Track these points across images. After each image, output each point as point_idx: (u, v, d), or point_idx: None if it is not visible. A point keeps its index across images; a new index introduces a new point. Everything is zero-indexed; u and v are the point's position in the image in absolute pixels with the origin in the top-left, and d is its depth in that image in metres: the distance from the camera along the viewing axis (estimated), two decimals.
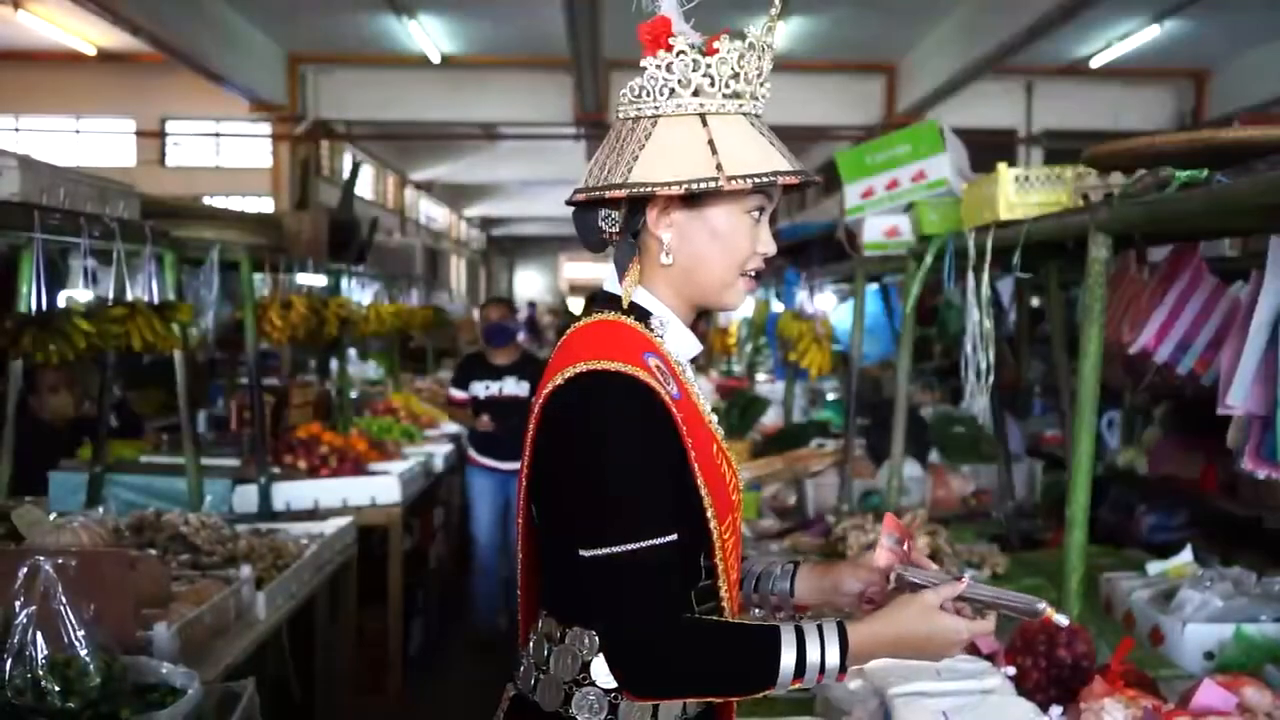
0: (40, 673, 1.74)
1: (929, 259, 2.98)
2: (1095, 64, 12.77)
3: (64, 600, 1.79)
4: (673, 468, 1.23)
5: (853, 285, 3.88)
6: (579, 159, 15.24)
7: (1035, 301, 5.79)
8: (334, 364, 6.00)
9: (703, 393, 1.38)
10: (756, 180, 1.24)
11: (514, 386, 5.32)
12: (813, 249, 4.74)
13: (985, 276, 2.62)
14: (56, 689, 1.73)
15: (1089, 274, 2.11)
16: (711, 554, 1.28)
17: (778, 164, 1.26)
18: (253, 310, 3.95)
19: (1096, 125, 12.99)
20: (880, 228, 3.57)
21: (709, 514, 1.26)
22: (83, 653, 1.78)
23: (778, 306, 5.66)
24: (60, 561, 1.83)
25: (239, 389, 5.14)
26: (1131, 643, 1.84)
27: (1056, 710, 1.61)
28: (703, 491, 1.25)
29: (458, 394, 5.46)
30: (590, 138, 14.51)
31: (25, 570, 1.80)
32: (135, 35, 10.01)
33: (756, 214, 1.31)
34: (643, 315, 1.32)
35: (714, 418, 1.35)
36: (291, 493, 4.06)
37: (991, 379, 2.74)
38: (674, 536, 1.20)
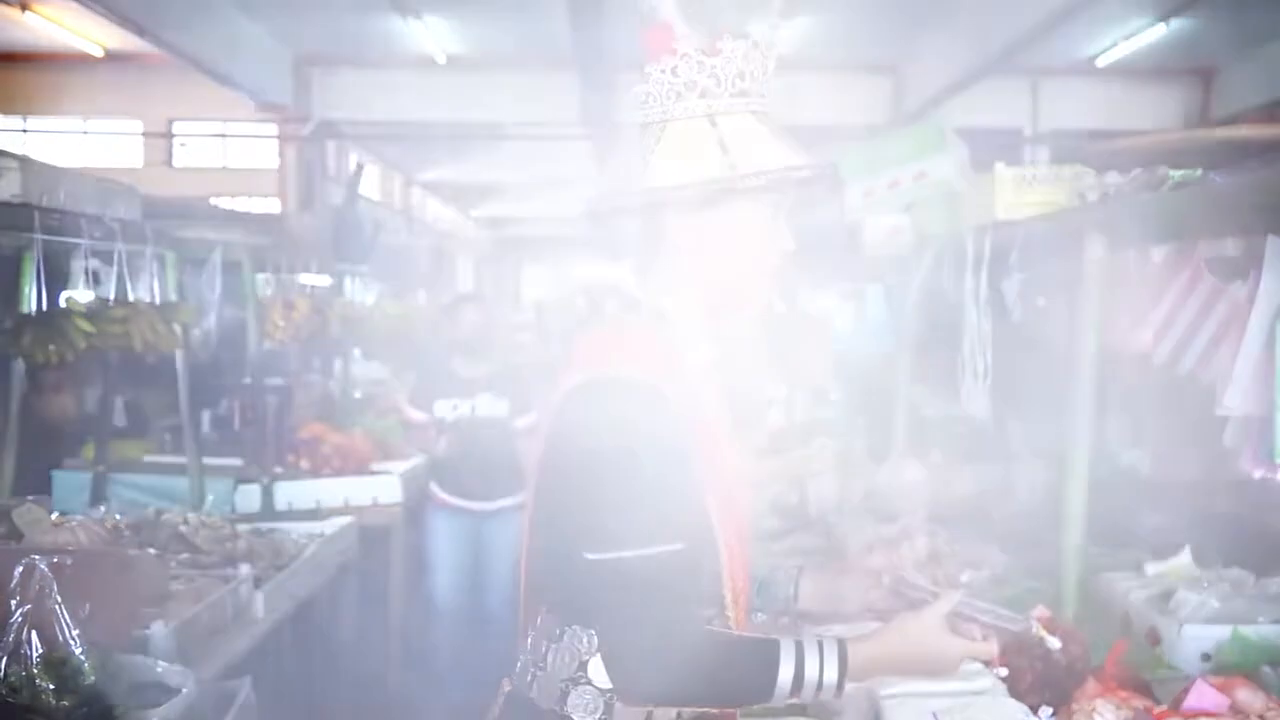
0: (35, 670, 1.75)
1: (928, 259, 2.97)
2: (1102, 63, 12.72)
3: (59, 599, 1.80)
4: (681, 475, 1.23)
5: (855, 285, 3.87)
6: (586, 159, 15.22)
7: (1041, 301, 5.76)
8: (337, 364, 6.02)
9: (717, 398, 1.37)
10: (770, 177, 1.24)
11: (490, 405, 4.16)
12: (814, 248, 4.72)
13: (983, 276, 2.62)
14: (51, 687, 1.74)
15: (1085, 273, 2.11)
16: (717, 561, 1.28)
17: (790, 159, 1.25)
18: (255, 310, 3.96)
19: (1103, 124, 12.93)
20: (881, 227, 3.56)
21: (714, 521, 1.25)
22: (77, 651, 1.80)
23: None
24: (56, 560, 1.85)
25: (243, 389, 5.15)
26: (1125, 644, 1.83)
27: (1047, 711, 1.60)
28: (709, 500, 1.25)
29: (417, 414, 4.26)
30: (596, 138, 14.51)
31: (21, 569, 1.81)
32: (141, 37, 10.04)
33: (772, 211, 1.30)
34: (662, 319, 1.32)
35: (727, 426, 1.35)
36: (294, 492, 4.08)
37: (989, 379, 2.73)
38: (680, 545, 1.20)
